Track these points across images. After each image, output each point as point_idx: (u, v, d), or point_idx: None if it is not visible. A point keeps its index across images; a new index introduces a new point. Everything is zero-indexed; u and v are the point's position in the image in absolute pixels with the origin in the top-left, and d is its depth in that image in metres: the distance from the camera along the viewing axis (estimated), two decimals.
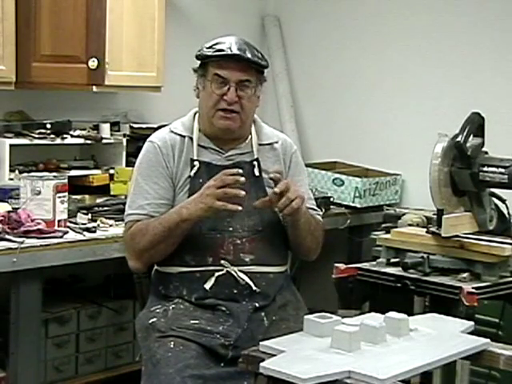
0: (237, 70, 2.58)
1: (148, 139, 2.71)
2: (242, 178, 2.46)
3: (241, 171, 2.48)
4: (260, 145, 2.72)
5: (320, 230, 2.76)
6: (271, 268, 2.62)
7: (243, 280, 2.55)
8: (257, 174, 2.66)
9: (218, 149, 2.67)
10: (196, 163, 2.62)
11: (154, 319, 2.55)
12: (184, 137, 2.66)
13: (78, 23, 3.78)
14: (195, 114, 2.71)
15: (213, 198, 2.44)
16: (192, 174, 2.61)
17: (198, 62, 2.66)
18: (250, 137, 2.71)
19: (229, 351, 2.47)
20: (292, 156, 2.77)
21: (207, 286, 2.54)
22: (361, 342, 1.99)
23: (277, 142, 2.76)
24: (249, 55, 2.58)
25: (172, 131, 2.68)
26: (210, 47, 2.61)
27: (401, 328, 2.09)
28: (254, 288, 2.56)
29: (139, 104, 4.46)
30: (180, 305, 2.57)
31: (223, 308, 2.54)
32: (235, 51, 2.57)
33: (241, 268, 2.56)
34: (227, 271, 2.55)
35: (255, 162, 2.67)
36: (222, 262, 2.55)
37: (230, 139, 2.67)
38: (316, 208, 2.82)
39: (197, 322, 2.51)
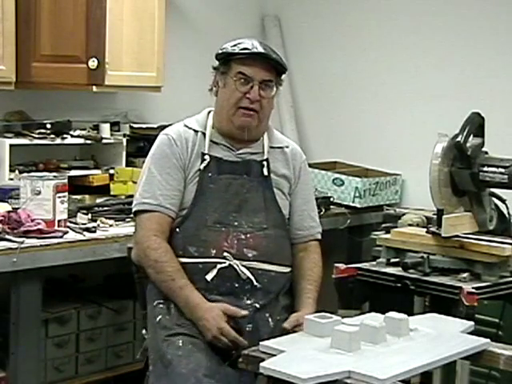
0: (262, 69, 2.61)
1: (162, 132, 2.73)
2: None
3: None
4: (271, 147, 2.74)
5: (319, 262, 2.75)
6: (273, 266, 2.63)
7: (245, 274, 2.56)
8: (265, 173, 2.68)
9: (229, 146, 2.68)
10: (206, 157, 2.64)
11: (160, 316, 2.56)
12: (197, 132, 2.68)
13: (78, 23, 3.78)
14: (209, 112, 2.74)
15: (210, 332, 2.46)
16: (202, 167, 2.63)
17: (217, 61, 2.67)
18: (261, 138, 2.73)
19: (234, 351, 2.46)
20: (302, 164, 2.80)
21: (209, 277, 2.55)
22: (361, 342, 1.99)
23: (287, 147, 2.79)
24: (273, 55, 2.63)
25: (186, 125, 2.70)
26: (234, 46, 2.63)
27: (401, 328, 2.10)
28: (255, 283, 2.57)
29: (139, 104, 4.46)
30: None
31: None
32: (261, 50, 2.60)
33: (243, 263, 2.57)
34: (229, 264, 2.56)
35: (264, 162, 2.69)
36: (225, 254, 2.56)
37: (243, 139, 2.68)
38: (316, 222, 2.80)
39: None
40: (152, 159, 2.68)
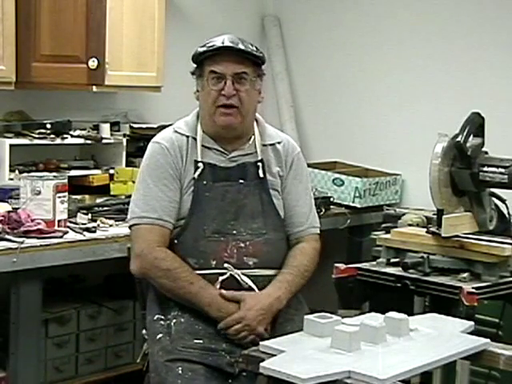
0: (231, 63, 2.55)
1: (153, 140, 2.67)
2: None
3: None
4: (263, 145, 2.69)
5: (311, 265, 2.70)
6: (273, 271, 2.61)
7: (246, 283, 2.54)
8: (261, 175, 2.64)
9: (221, 149, 2.64)
10: (200, 165, 2.59)
11: (160, 335, 2.52)
12: (188, 137, 2.63)
13: (78, 23, 3.78)
14: (198, 113, 2.68)
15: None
16: (196, 175, 2.59)
17: (195, 65, 2.64)
18: (253, 137, 2.69)
19: (235, 368, 2.46)
20: (294, 158, 2.73)
21: None
22: (361, 342, 1.99)
23: (279, 143, 2.73)
24: (241, 46, 2.56)
25: (176, 131, 2.65)
26: (203, 46, 2.60)
27: (401, 328, 2.10)
28: (257, 291, 2.54)
29: (139, 104, 4.46)
30: (180, 318, 2.54)
31: None
32: (227, 44, 2.55)
33: (244, 271, 2.54)
34: (230, 274, 2.53)
35: (259, 164, 2.65)
36: (226, 265, 2.53)
37: (233, 138, 2.64)
38: (309, 218, 2.73)
39: (200, 341, 2.49)
40: (147, 170, 2.62)
